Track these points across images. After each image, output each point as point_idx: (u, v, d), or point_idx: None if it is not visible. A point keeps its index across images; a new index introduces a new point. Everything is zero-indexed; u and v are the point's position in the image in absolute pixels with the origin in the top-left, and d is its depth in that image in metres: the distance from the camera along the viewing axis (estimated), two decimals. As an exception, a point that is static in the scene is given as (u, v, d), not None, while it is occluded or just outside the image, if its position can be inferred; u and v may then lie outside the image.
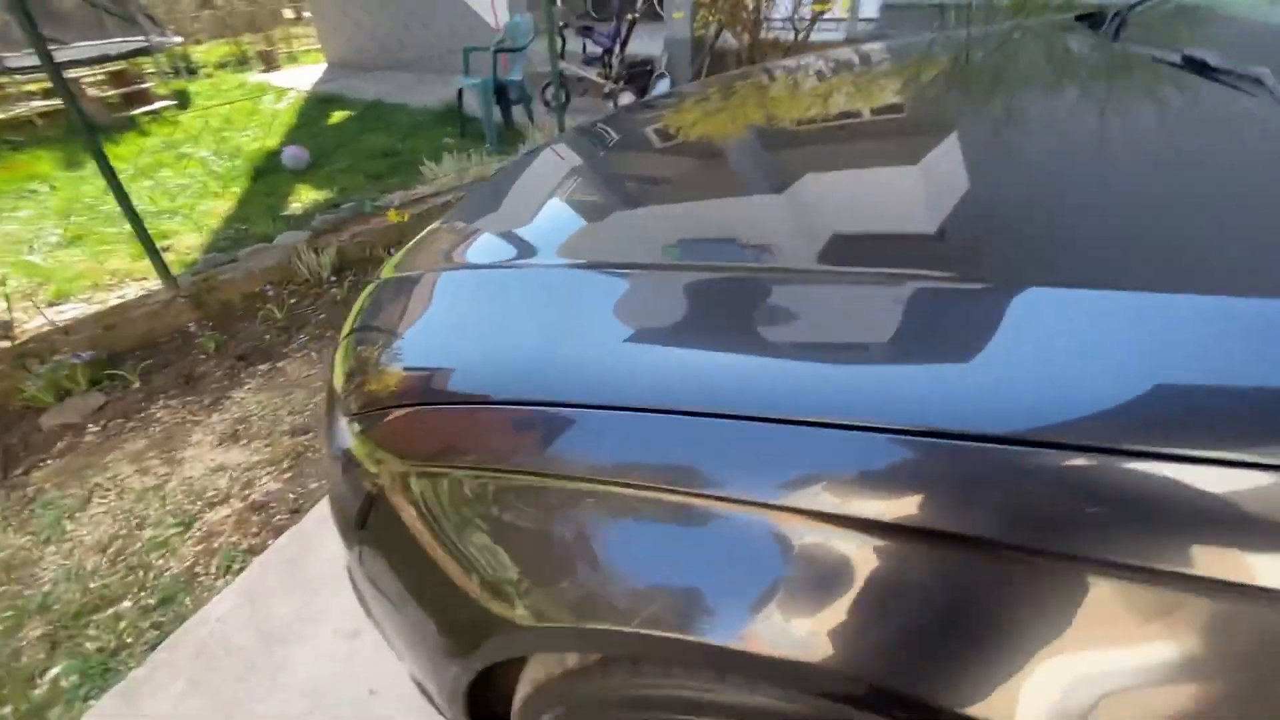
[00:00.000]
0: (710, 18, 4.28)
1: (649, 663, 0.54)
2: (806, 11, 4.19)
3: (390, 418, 0.67)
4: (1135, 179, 0.63)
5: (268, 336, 2.43)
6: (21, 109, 5.62)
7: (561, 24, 4.92)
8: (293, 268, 2.78)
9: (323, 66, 8.44)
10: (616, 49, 5.02)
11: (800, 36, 4.30)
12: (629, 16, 4.89)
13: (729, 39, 4.83)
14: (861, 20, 4.79)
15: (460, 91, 4.82)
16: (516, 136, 4.68)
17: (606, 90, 5.20)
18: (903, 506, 0.40)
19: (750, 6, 3.99)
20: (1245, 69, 0.74)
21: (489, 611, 0.58)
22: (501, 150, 4.25)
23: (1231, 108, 0.72)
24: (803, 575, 0.43)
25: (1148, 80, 0.90)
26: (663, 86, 5.32)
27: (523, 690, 0.67)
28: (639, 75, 5.04)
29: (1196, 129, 0.73)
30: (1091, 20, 1.28)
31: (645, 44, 5.50)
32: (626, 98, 4.97)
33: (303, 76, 7.80)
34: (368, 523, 0.71)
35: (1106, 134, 0.74)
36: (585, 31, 5.24)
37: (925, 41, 1.49)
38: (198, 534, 1.61)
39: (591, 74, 5.21)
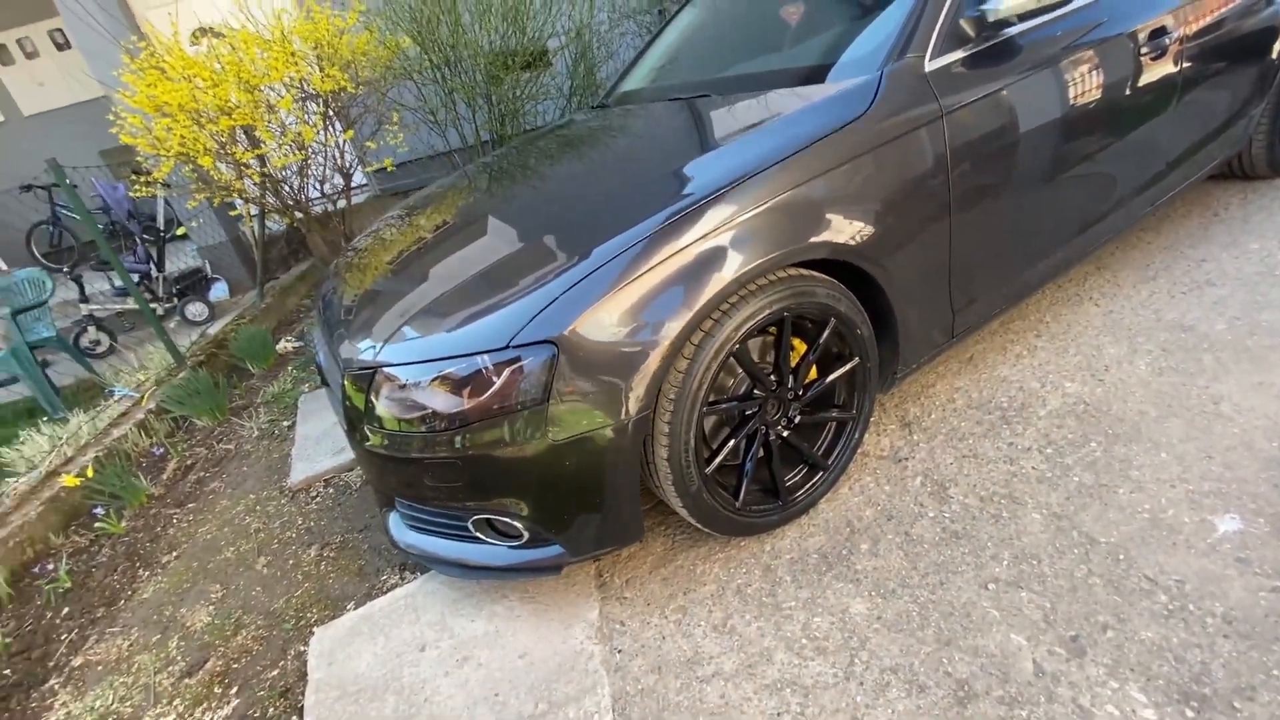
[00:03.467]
0: (248, 210, 4.61)
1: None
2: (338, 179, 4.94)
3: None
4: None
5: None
6: None
7: (68, 270, 4.46)
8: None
9: None
10: (153, 270, 4.80)
11: (339, 204, 5.03)
12: (159, 235, 4.78)
13: (271, 225, 5.20)
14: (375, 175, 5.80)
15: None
16: (95, 388, 4.05)
17: (161, 312, 4.88)
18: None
19: (290, 188, 4.50)
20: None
21: None
22: (68, 414, 3.67)
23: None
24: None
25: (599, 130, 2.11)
26: (220, 289, 5.28)
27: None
28: (195, 284, 4.94)
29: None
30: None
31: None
32: (195, 308, 4.81)
33: None
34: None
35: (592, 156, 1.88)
36: (103, 267, 4.80)
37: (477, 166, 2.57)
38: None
39: (128, 303, 4.81)
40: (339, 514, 2.26)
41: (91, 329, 4.63)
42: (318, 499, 2.38)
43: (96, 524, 2.48)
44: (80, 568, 2.29)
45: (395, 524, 1.71)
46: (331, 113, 4.15)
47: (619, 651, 1.49)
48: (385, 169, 4.34)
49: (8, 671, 1.93)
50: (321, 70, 3.96)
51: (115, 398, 3.66)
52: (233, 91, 3.65)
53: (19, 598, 2.25)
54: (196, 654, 1.81)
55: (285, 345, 3.91)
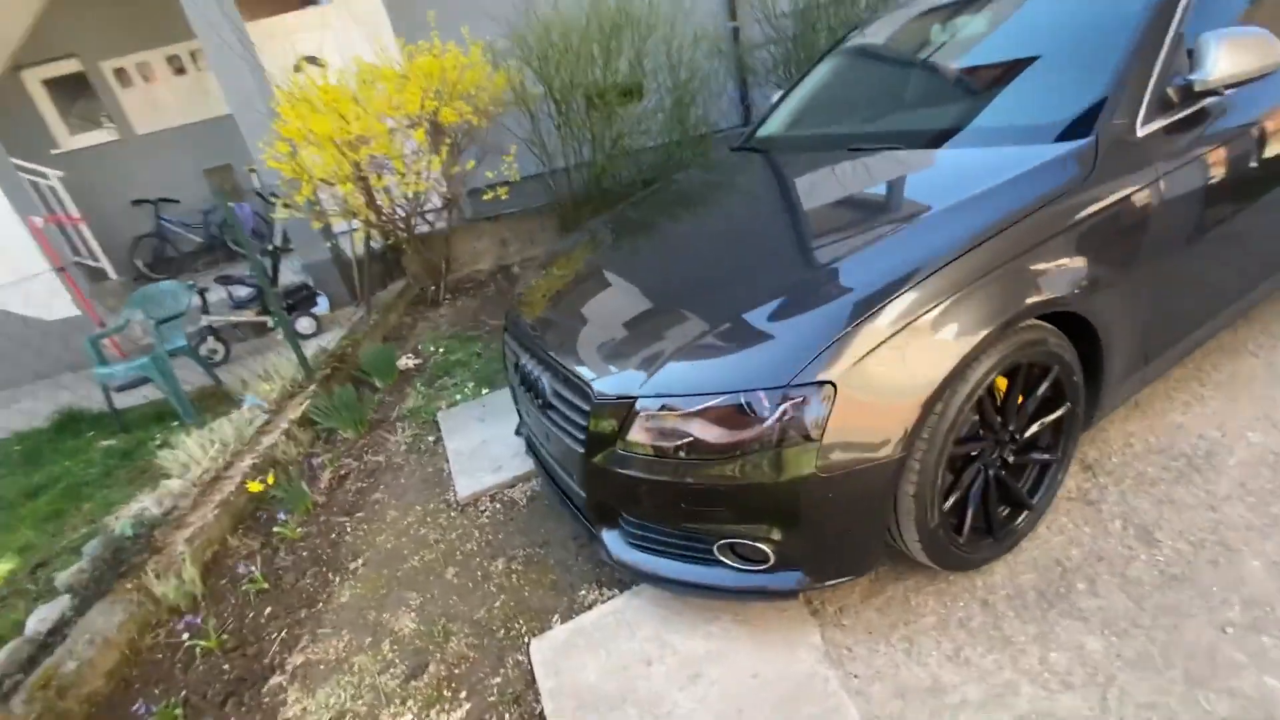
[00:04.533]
0: (365, 231, 4.84)
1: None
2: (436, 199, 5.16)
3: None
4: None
5: None
6: None
7: (195, 286, 4.72)
8: (144, 614, 2.27)
9: None
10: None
11: (436, 226, 5.25)
12: (271, 248, 5.03)
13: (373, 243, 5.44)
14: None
15: (105, 389, 4.12)
16: (216, 396, 4.26)
17: (271, 325, 5.12)
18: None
19: (402, 211, 4.72)
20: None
21: None
22: (201, 419, 3.86)
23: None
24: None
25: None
26: (322, 304, 5.52)
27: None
28: (302, 300, 5.17)
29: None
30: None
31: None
32: (304, 322, 5.04)
33: None
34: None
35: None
36: (225, 281, 5.07)
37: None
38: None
39: (247, 315, 5.07)
40: (513, 529, 2.37)
41: (210, 339, 4.87)
42: (487, 513, 2.50)
43: (275, 529, 2.63)
44: (268, 570, 2.43)
45: (615, 542, 1.81)
46: (451, 143, 4.37)
47: (855, 676, 1.56)
48: (497, 194, 4.53)
49: (226, 666, 2.06)
50: (447, 103, 4.19)
51: (246, 406, 3.85)
52: (372, 122, 3.88)
53: (212, 596, 2.39)
54: (414, 659, 1.92)
55: (406, 362, 4.09)
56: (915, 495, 1.51)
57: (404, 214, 4.78)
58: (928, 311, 1.43)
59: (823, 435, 1.39)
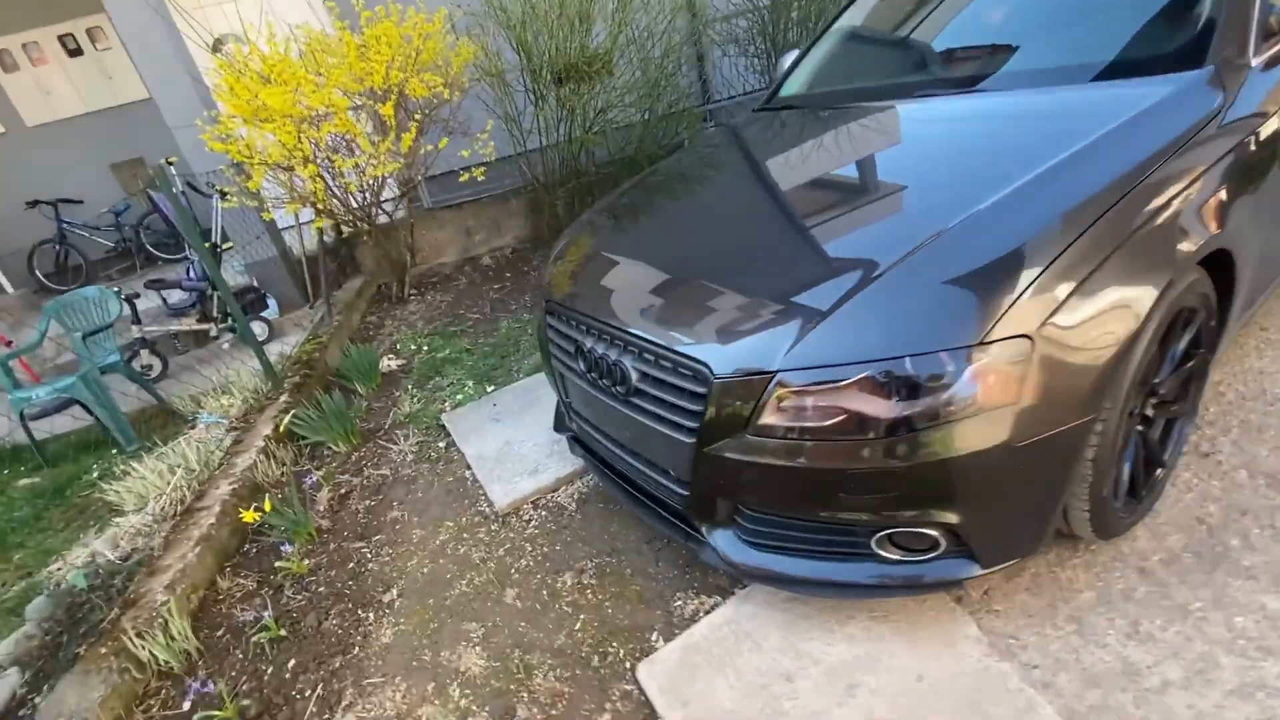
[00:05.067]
0: (320, 223, 4.32)
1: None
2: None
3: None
4: None
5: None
6: None
7: (122, 293, 4.09)
8: (130, 684, 1.85)
9: None
10: (208, 288, 4.46)
11: (395, 216, 4.78)
12: (214, 251, 4.44)
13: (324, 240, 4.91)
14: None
15: (22, 417, 3.49)
16: (160, 416, 3.70)
17: (215, 333, 4.54)
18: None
19: (356, 190, 4.23)
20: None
21: None
22: (145, 444, 3.31)
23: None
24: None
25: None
26: (272, 308, 4.95)
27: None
28: (251, 304, 4.61)
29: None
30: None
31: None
32: (255, 327, 4.48)
33: None
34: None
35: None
36: (158, 285, 4.43)
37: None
38: None
39: (187, 323, 4.46)
40: (570, 537, 2.09)
41: (144, 352, 4.26)
42: (533, 522, 2.20)
43: (276, 563, 2.23)
44: (280, 614, 2.04)
45: (728, 542, 1.58)
46: (421, 119, 3.95)
47: (1034, 668, 1.39)
48: (473, 175, 4.14)
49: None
50: (415, 75, 3.78)
51: (203, 425, 3.35)
52: (333, 96, 3.44)
53: (212, 653, 1.98)
54: (495, 702, 1.62)
55: (388, 364, 3.67)
56: (1094, 459, 1.35)
57: (365, 202, 4.32)
58: (1109, 257, 1.27)
59: (1018, 398, 1.20)
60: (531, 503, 2.29)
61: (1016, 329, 1.19)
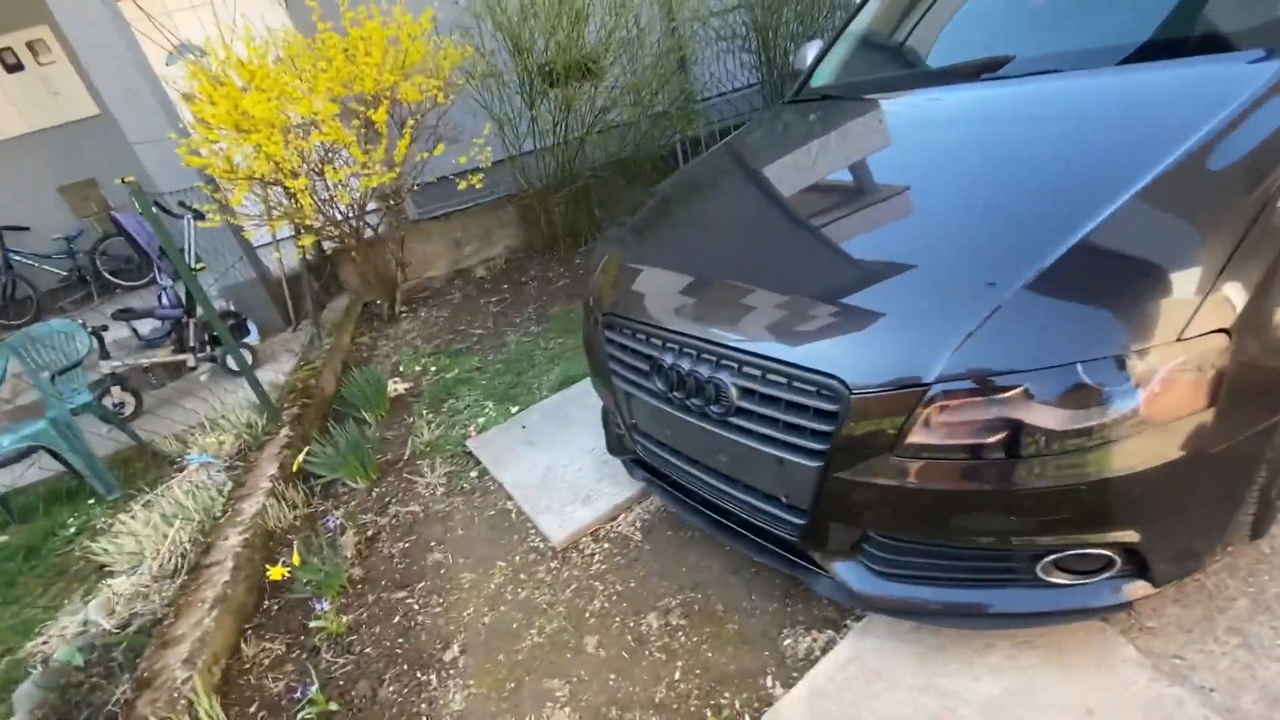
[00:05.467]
0: (305, 240, 4.02)
1: None
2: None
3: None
4: None
5: None
6: None
7: (85, 324, 3.73)
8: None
9: None
10: (183, 315, 4.11)
11: (379, 230, 4.51)
12: (194, 267, 4.09)
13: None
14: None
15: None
16: (141, 459, 3.36)
17: (193, 363, 4.19)
18: None
19: (345, 203, 3.95)
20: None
21: None
22: (129, 492, 2.99)
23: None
24: None
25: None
26: (253, 334, 4.61)
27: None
28: (233, 329, 4.26)
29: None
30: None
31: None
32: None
33: None
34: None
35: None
36: (126, 315, 4.06)
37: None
38: None
39: (162, 355, 4.10)
40: (644, 571, 1.91)
41: (115, 389, 3.89)
42: (597, 557, 2.01)
43: (309, 623, 1.98)
44: (325, 682, 1.80)
45: (855, 574, 1.42)
46: (414, 125, 3.71)
47: (1211, 690, 1.27)
48: (470, 183, 3.91)
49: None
50: (407, 78, 3.55)
51: (194, 466, 3.05)
52: (322, 102, 3.18)
53: (248, 734, 1.74)
54: (603, 772, 1.43)
55: (396, 388, 3.42)
56: (1271, 459, 1.23)
57: (350, 215, 4.05)
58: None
59: (1214, 400, 1.08)
60: (591, 534, 2.10)
61: (1214, 324, 1.07)
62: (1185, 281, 1.10)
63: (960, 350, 1.16)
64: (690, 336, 1.56)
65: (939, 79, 2.10)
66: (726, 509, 1.67)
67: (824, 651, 1.55)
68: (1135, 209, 1.21)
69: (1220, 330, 1.07)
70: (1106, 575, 1.24)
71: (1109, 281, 1.15)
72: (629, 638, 1.72)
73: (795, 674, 1.51)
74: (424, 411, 3.11)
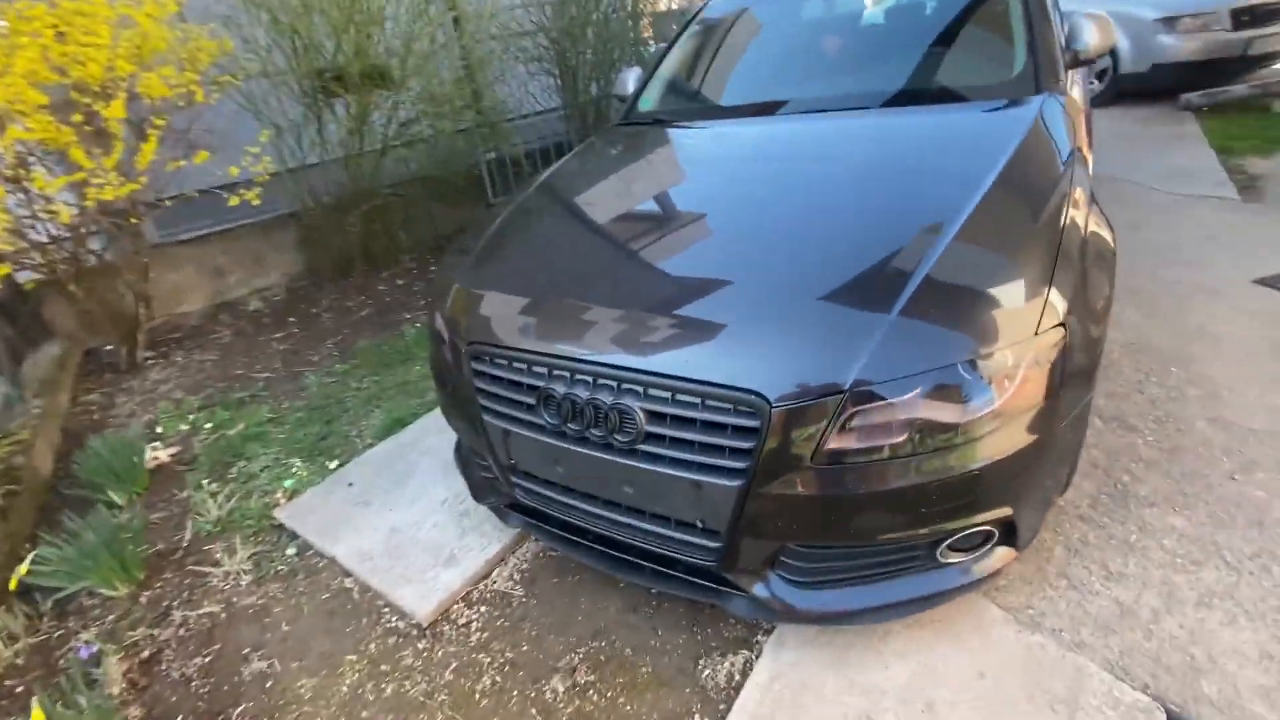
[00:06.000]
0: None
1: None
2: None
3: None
4: None
5: None
6: None
7: None
8: None
9: None
10: None
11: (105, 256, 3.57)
12: None
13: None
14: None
15: None
16: None
17: None
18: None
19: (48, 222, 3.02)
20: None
21: None
22: None
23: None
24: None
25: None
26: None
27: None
28: None
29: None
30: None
31: None
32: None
33: None
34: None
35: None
36: None
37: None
38: None
39: None
40: (533, 630, 1.70)
41: None
42: (475, 624, 1.74)
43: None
44: None
45: (780, 589, 1.41)
46: (161, 127, 2.99)
47: (1060, 631, 1.49)
48: (245, 199, 3.26)
49: None
50: (152, 68, 2.87)
51: None
52: (21, 89, 2.42)
53: None
54: None
55: (156, 455, 2.66)
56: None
57: (64, 238, 3.12)
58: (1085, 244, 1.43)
59: (1064, 380, 1.27)
60: (463, 599, 1.82)
61: (1055, 319, 1.26)
62: (1036, 285, 1.28)
63: (871, 355, 1.21)
64: (585, 361, 1.43)
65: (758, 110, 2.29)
66: (626, 543, 1.55)
67: (744, 675, 1.51)
68: (977, 224, 1.40)
69: (1060, 325, 1.27)
70: (987, 547, 1.39)
71: (978, 287, 1.30)
72: (534, 711, 1.50)
73: (723, 705, 1.45)
74: (204, 482, 2.46)
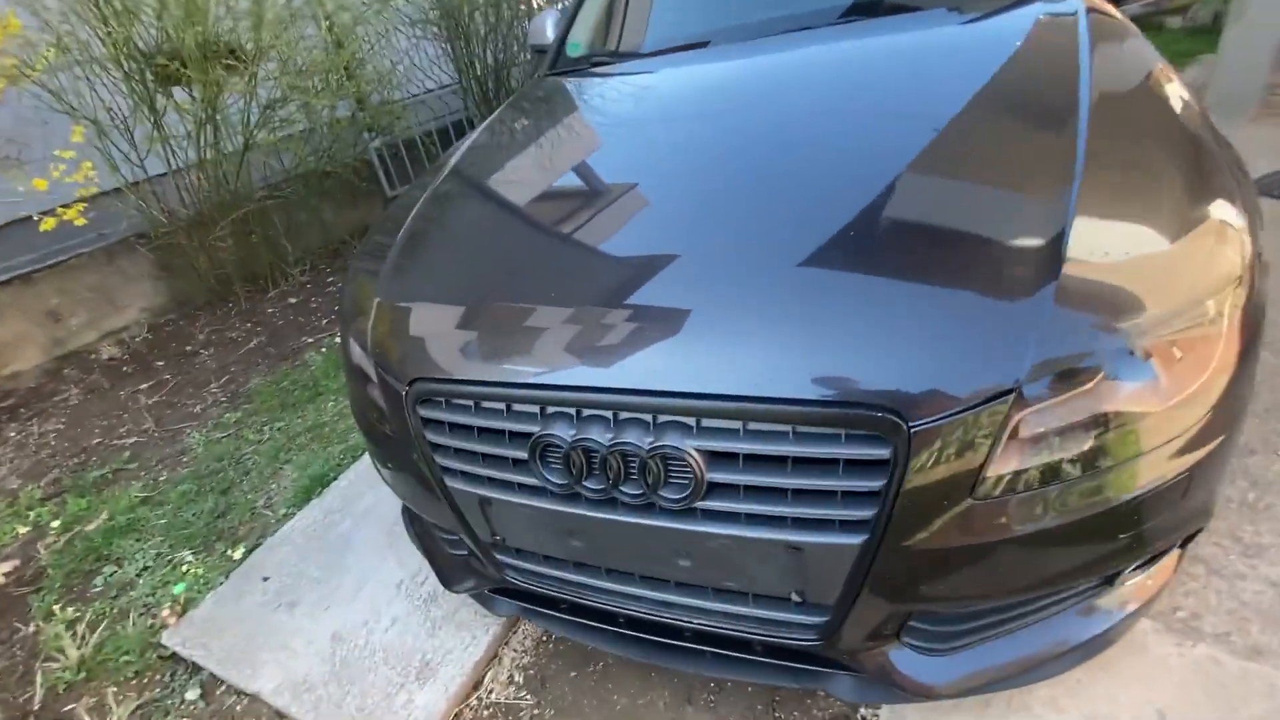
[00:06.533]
0: None
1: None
2: None
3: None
4: None
5: None
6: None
7: None
8: None
9: None
10: None
11: None
12: None
13: None
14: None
15: None
16: None
17: None
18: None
19: None
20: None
21: None
22: None
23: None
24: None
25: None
26: None
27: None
28: None
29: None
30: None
31: None
32: None
33: None
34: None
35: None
36: None
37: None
38: None
39: None
40: (561, 756, 1.25)
41: None
42: (477, 762, 1.27)
43: None
44: None
45: (910, 665, 1.02)
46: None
47: (1227, 635, 1.20)
48: (64, 219, 2.50)
49: None
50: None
51: None
52: None
53: None
54: None
55: (-18, 579, 1.96)
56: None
57: None
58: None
59: (1256, 330, 0.94)
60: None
61: (1250, 252, 0.92)
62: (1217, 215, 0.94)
63: (1040, 341, 0.82)
64: (597, 390, 0.96)
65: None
66: (675, 627, 1.12)
67: (862, 771, 1.12)
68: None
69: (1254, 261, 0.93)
70: (1152, 567, 1.06)
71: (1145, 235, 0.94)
72: None
73: (848, 824, 1.06)
74: (56, 607, 1.81)
